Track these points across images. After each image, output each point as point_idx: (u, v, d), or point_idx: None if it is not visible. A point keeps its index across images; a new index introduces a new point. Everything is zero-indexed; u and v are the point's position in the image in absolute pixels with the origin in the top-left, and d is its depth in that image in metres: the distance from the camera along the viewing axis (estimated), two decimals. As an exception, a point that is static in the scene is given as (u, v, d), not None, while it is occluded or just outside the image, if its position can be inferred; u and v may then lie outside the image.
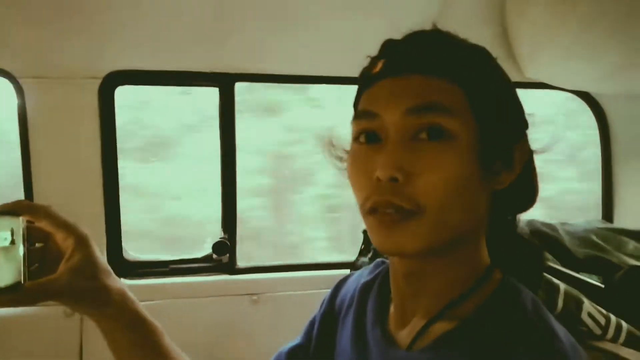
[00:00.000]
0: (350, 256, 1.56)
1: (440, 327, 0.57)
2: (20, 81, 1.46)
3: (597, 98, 1.87)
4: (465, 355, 0.53)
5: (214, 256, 1.69)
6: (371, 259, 1.44)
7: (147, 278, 1.64)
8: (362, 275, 0.76)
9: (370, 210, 0.55)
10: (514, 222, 0.65)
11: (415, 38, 0.58)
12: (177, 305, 1.60)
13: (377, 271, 0.74)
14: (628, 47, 1.38)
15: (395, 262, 0.62)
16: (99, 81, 1.51)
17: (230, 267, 1.71)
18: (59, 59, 1.45)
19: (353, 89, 0.64)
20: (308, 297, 1.63)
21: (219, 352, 1.62)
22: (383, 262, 0.76)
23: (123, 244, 1.64)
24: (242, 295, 1.65)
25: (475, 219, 0.57)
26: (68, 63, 1.46)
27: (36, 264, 0.65)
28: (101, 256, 0.68)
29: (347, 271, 1.64)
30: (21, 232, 0.61)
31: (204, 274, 1.69)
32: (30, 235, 0.63)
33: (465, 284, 0.58)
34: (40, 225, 0.63)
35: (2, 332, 1.47)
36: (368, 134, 0.57)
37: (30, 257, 0.62)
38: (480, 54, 0.59)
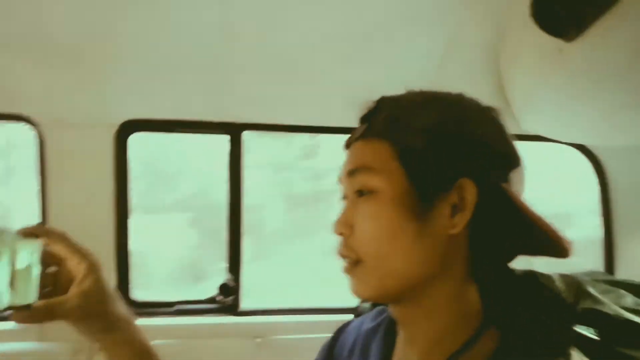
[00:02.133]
0: (354, 302, 1.57)
1: None
2: (41, 127, 1.54)
3: (593, 150, 1.90)
4: None
5: (219, 297, 1.73)
6: (372, 305, 1.45)
7: (153, 317, 1.67)
8: (364, 322, 0.77)
9: None
10: (506, 269, 0.64)
11: (364, 110, 0.65)
12: (181, 346, 1.62)
13: (380, 318, 0.75)
14: (617, 98, 1.34)
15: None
16: (115, 128, 1.59)
17: (235, 309, 1.73)
18: (78, 107, 1.52)
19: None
20: (311, 341, 1.60)
21: (222, 394, 1.62)
22: (384, 310, 0.77)
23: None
24: (246, 338, 1.67)
25: (430, 264, 0.57)
26: (86, 111, 1.54)
27: (49, 287, 0.69)
28: (109, 284, 0.72)
29: (351, 316, 1.65)
30: (38, 255, 0.66)
31: (209, 314, 1.72)
32: (45, 258, 0.67)
33: (457, 332, 0.59)
34: (55, 249, 0.68)
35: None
36: (343, 196, 0.65)
37: (43, 279, 0.66)
38: (413, 107, 0.61)
